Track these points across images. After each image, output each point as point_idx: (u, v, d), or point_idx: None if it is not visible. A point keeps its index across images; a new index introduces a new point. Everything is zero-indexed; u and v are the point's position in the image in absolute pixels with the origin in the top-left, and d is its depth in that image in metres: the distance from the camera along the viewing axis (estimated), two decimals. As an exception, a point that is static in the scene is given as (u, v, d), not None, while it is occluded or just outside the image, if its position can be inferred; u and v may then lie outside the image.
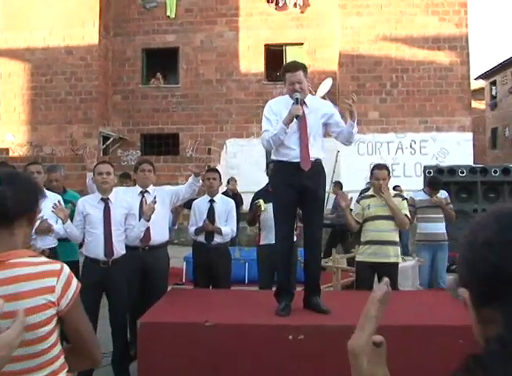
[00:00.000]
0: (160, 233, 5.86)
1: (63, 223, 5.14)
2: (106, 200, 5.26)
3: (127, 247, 5.57)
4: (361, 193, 8.13)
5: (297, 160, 4.71)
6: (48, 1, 20.26)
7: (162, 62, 21.27)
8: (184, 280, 10.18)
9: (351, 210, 6.43)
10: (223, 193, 7.81)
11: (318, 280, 4.95)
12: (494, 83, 34.73)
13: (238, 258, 10.40)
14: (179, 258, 11.16)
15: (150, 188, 5.97)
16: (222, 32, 20.81)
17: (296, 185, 4.71)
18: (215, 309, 4.81)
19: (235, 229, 6.70)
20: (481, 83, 34.41)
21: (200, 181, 5.91)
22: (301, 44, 20.42)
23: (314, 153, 4.76)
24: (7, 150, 18.23)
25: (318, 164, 4.83)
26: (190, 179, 5.96)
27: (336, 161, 18.68)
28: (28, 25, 20.33)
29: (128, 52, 21.35)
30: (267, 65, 20.64)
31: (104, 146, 20.57)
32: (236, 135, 20.52)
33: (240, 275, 10.18)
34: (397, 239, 6.31)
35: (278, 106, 4.87)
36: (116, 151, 21.04)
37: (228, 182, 12.87)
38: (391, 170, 6.80)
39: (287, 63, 5.10)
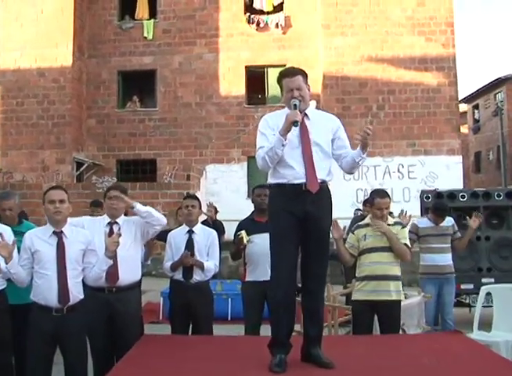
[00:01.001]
0: (130, 271, 4.95)
1: (6, 263, 4.22)
2: (59, 234, 4.35)
3: (90, 288, 4.70)
4: (353, 222, 7.30)
5: (301, 180, 3.96)
6: (19, 21, 19.56)
7: (139, 84, 20.58)
8: (161, 318, 9.35)
9: (344, 241, 5.60)
10: (203, 223, 6.91)
11: (320, 328, 4.16)
12: (477, 107, 34.59)
13: (220, 293, 9.53)
14: (156, 290, 10.26)
15: (120, 218, 5.08)
16: (202, 54, 20.16)
17: (297, 211, 3.94)
18: (195, 363, 4.04)
19: (218, 264, 5.82)
20: (464, 107, 34.08)
21: (144, 208, 4.92)
22: (283, 65, 19.55)
23: (320, 174, 4.00)
24: (-28, 177, 17.30)
25: (324, 188, 4.05)
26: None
27: None
28: (-2, 46, 19.53)
29: (104, 74, 20.60)
30: (248, 87, 20.00)
31: (78, 172, 19.68)
32: (217, 160, 19.79)
33: (223, 311, 9.30)
34: (398, 273, 5.48)
35: (275, 120, 4.13)
36: (90, 178, 20.14)
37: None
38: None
39: (284, 69, 4.35)
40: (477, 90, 33.60)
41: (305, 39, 19.63)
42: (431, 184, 17.30)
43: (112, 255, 4.48)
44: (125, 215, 5.23)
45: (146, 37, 20.44)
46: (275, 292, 4.06)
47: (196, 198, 6.01)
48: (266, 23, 19.85)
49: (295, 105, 3.96)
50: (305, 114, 4.10)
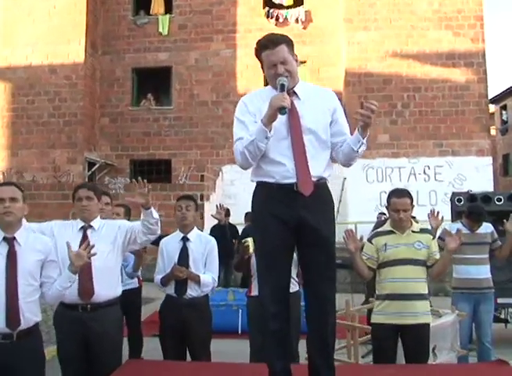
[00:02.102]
0: (107, 285, 4.15)
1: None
2: (10, 241, 3.50)
3: (62, 305, 3.93)
4: (375, 227, 6.42)
5: (290, 180, 3.19)
6: (31, 17, 18.96)
7: (154, 82, 19.80)
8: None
9: (361, 250, 4.73)
10: (214, 227, 6.04)
11: (330, 356, 3.34)
12: (504, 107, 33.54)
13: (230, 304, 8.71)
14: (160, 299, 9.44)
15: (96, 222, 4.28)
16: (219, 50, 19.41)
17: (288, 217, 3.16)
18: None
19: (216, 278, 4.99)
20: (491, 107, 32.96)
21: (156, 215, 4.16)
22: (304, 62, 18.85)
23: (316, 170, 3.23)
24: (-19, 176, 16.70)
25: (322, 187, 3.29)
26: (142, 215, 4.20)
27: (342, 189, 17.27)
28: (10, 42, 19.08)
29: (118, 71, 19.93)
30: (267, 85, 19.04)
31: (90, 172, 19.00)
32: (234, 161, 18.72)
33: (233, 324, 8.44)
34: (425, 290, 4.57)
35: (256, 103, 3.34)
36: (103, 178, 19.41)
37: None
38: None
39: (262, 38, 3.41)
40: (505, 90, 32.49)
41: (327, 34, 18.78)
42: (459, 187, 16.30)
43: (77, 270, 3.67)
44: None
45: (161, 33, 19.72)
46: (265, 321, 3.26)
47: (192, 199, 5.15)
48: (286, 18, 19.03)
49: (282, 85, 3.17)
50: (294, 93, 3.29)
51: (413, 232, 4.59)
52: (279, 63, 3.23)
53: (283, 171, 3.18)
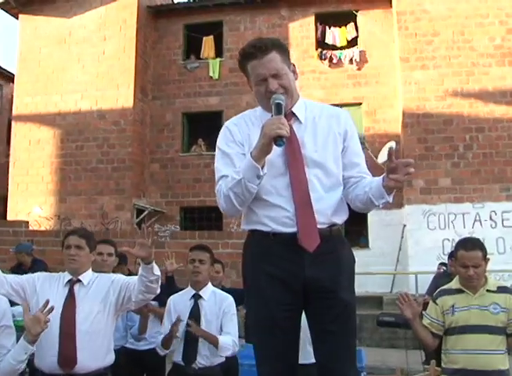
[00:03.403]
0: (94, 352, 3.37)
1: None
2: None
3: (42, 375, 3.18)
4: (434, 280, 5.44)
5: (292, 228, 2.43)
6: (81, 63, 18.86)
7: (204, 127, 19.25)
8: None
9: (422, 315, 3.79)
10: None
11: None
12: None
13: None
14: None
15: (86, 275, 3.53)
16: (271, 93, 18.75)
17: (292, 278, 2.37)
18: None
19: (237, 341, 4.12)
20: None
21: (157, 271, 3.38)
22: (359, 104, 18.16)
23: (324, 214, 2.45)
24: (27, 223, 16.26)
25: (334, 236, 2.49)
26: (140, 270, 3.42)
27: (402, 237, 16.29)
28: (60, 88, 18.97)
29: (168, 116, 19.56)
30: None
31: (138, 219, 18.49)
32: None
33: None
34: (505, 365, 3.59)
35: (244, 128, 2.62)
36: (152, 226, 18.86)
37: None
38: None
39: (246, 44, 2.68)
40: None
41: (382, 75, 17.98)
42: (530, 233, 15.10)
43: (35, 340, 2.90)
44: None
45: (211, 77, 19.32)
46: None
47: (207, 250, 4.36)
48: (339, 59, 18.35)
49: (278, 105, 2.40)
50: (293, 115, 2.52)
51: (488, 291, 3.66)
52: (271, 77, 2.49)
53: (282, 218, 2.44)
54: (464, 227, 15.79)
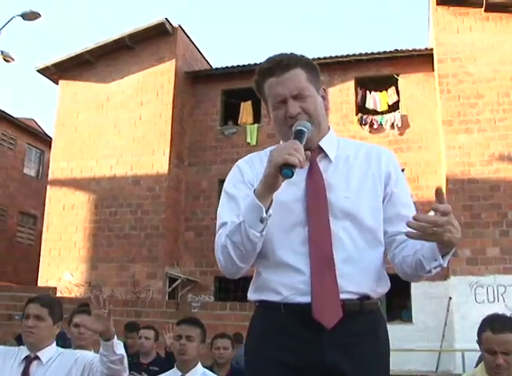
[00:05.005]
0: None
1: None
2: None
3: None
4: (478, 362, 4.56)
5: (307, 298, 1.82)
6: (117, 129, 18.81)
7: (241, 194, 18.86)
8: None
9: None
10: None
11: None
12: None
13: None
14: None
15: (46, 352, 2.95)
16: (309, 159, 18.26)
17: (305, 365, 1.78)
18: None
19: None
20: None
21: (120, 350, 2.73)
22: (402, 170, 17.32)
23: (355, 282, 1.87)
24: (54, 289, 15.81)
25: (367, 312, 1.88)
26: (101, 348, 2.79)
27: (448, 311, 15.28)
28: (96, 153, 18.90)
29: (204, 183, 19.14)
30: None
31: (170, 289, 17.86)
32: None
33: None
34: None
35: (257, 166, 2.08)
36: (185, 296, 18.21)
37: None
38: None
39: (264, 61, 2.06)
40: None
41: (425, 139, 17.32)
42: None
43: None
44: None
45: (249, 143, 18.93)
46: None
47: (197, 324, 3.68)
48: (380, 124, 17.81)
49: (299, 131, 1.88)
50: (321, 150, 1.95)
51: None
52: (291, 98, 1.92)
53: (296, 283, 1.86)
54: (516, 301, 14.71)
